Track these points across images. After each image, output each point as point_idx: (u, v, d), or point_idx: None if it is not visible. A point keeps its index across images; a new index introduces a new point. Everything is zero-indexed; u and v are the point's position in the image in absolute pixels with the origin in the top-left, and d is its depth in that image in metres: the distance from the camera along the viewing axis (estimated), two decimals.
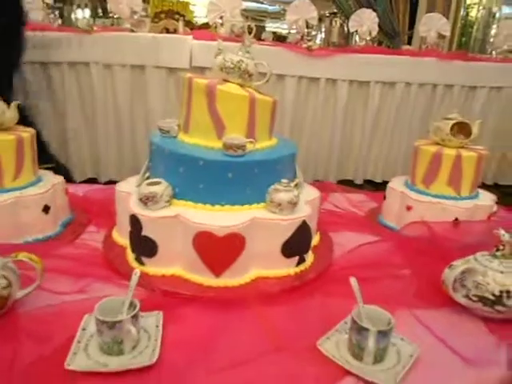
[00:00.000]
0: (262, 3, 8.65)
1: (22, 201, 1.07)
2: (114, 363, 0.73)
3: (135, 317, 0.76)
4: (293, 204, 1.01)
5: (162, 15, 3.68)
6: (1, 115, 1.08)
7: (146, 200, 0.98)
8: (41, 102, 2.61)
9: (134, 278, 0.81)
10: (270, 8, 8.68)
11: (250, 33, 3.17)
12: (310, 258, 1.10)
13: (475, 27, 5.11)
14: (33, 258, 0.84)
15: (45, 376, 0.70)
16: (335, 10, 4.95)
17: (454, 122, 1.28)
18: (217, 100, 1.01)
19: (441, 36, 3.35)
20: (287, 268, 1.03)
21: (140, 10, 2.96)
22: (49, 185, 1.15)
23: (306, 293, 0.98)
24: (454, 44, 5.02)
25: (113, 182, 1.42)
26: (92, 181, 2.69)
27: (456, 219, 1.23)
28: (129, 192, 1.08)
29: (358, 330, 0.77)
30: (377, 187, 2.97)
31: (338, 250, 1.19)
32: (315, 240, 1.20)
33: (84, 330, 0.80)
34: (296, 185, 1.06)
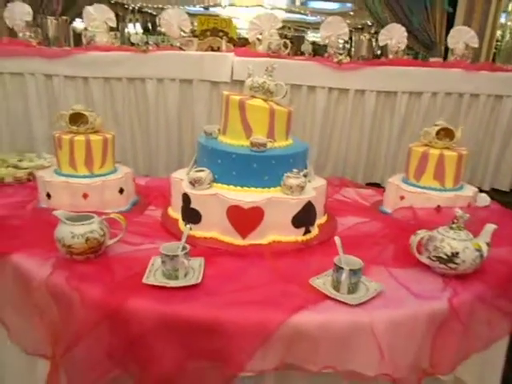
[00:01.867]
0: (303, 14, 9.12)
1: (105, 184, 1.54)
2: (172, 283, 1.15)
3: (186, 254, 1.18)
4: (301, 187, 1.40)
5: (208, 33, 4.20)
6: (94, 121, 1.56)
7: (194, 182, 1.41)
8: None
9: (187, 229, 1.24)
10: (311, 19, 9.13)
11: (286, 47, 3.64)
12: (315, 230, 1.48)
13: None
14: (120, 217, 1.29)
15: (131, 287, 1.13)
16: (369, 23, 5.29)
17: (439, 127, 1.63)
18: (246, 111, 1.44)
19: (470, 48, 3.62)
20: (296, 236, 1.42)
21: (188, 30, 3.48)
22: (123, 173, 1.62)
23: (309, 253, 1.37)
24: (490, 54, 5.18)
25: None
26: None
27: (438, 206, 1.57)
28: (181, 178, 1.52)
29: (337, 269, 1.15)
30: None
31: (340, 227, 1.57)
32: (322, 219, 1.58)
33: (152, 265, 1.23)
34: (305, 174, 1.46)
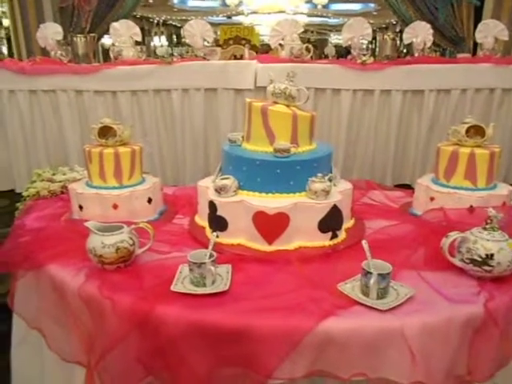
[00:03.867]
0: (325, 17, 9.11)
1: (134, 194, 1.58)
2: (200, 290, 1.16)
3: (213, 261, 1.19)
4: (326, 192, 1.39)
5: (231, 41, 4.26)
6: (122, 134, 1.60)
7: (219, 190, 1.42)
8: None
9: (213, 237, 1.25)
10: (333, 21, 9.08)
11: (308, 52, 3.63)
12: (342, 235, 1.47)
13: None
14: (148, 227, 1.32)
15: (160, 295, 1.15)
16: (394, 22, 5.21)
17: (468, 125, 1.58)
18: (269, 117, 1.44)
19: (500, 41, 3.50)
20: (323, 241, 1.41)
21: (211, 40, 3.53)
22: (151, 183, 1.66)
23: (336, 257, 1.36)
24: None
25: None
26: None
27: (470, 206, 1.52)
28: (207, 186, 1.53)
29: (365, 273, 1.13)
30: None
31: (368, 231, 1.54)
32: (349, 223, 1.56)
33: (180, 272, 1.25)
34: (330, 178, 1.45)
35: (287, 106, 1.47)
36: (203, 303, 1.12)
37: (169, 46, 6.11)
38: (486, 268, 1.19)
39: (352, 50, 3.45)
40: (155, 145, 3.41)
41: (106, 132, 1.62)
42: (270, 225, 1.36)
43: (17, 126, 3.30)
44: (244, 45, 3.86)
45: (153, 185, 1.65)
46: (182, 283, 1.20)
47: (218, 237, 1.31)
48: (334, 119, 3.37)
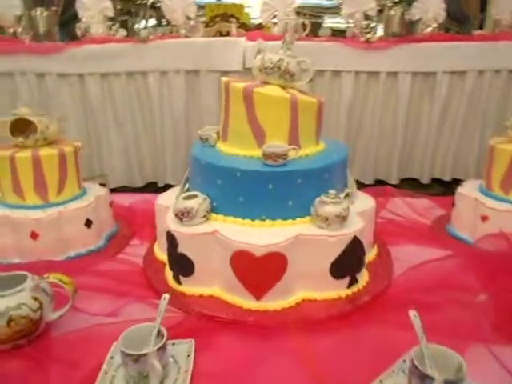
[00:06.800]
0: None
1: (64, 216, 1.05)
2: None
3: (162, 348, 0.68)
4: (342, 218, 0.87)
5: (217, 19, 3.67)
6: (45, 130, 1.06)
7: (181, 216, 0.90)
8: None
9: (163, 304, 0.73)
10: (327, 3, 8.41)
11: (304, 30, 3.02)
12: (363, 277, 0.96)
13: None
14: (64, 280, 0.79)
15: None
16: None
17: None
18: (255, 104, 0.91)
19: None
20: (337, 290, 0.90)
21: (194, 16, 2.95)
22: (91, 198, 1.12)
23: (357, 321, 0.85)
24: None
25: (170, 186, 1.36)
26: (153, 185, 2.74)
27: None
28: (167, 206, 1.01)
29: (420, 376, 0.63)
30: (446, 187, 2.69)
31: (398, 267, 1.04)
32: (371, 255, 1.05)
33: (112, 358, 0.74)
34: (346, 195, 0.93)
35: (283, 87, 0.94)
36: None
37: (153, 27, 5.45)
38: None
39: (353, 28, 2.90)
40: (131, 137, 2.85)
41: (24, 127, 1.08)
42: (257, 271, 0.84)
43: None
44: (231, 22, 3.27)
45: (94, 200, 1.12)
46: None
47: (172, 293, 0.79)
48: (333, 105, 2.82)
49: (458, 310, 0.85)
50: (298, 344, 0.77)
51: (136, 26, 6.25)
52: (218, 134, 1.03)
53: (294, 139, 0.93)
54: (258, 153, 0.92)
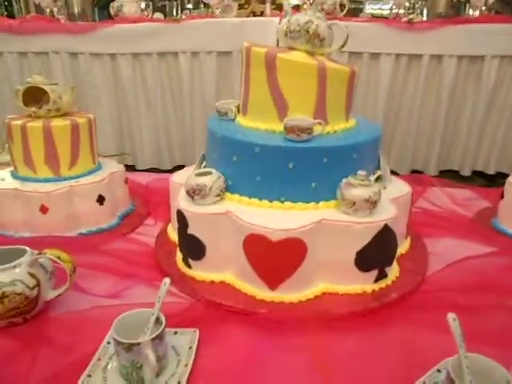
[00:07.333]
0: None
1: (75, 190, 0.99)
2: None
3: (159, 338, 0.60)
4: (371, 203, 0.76)
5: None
6: (58, 100, 1.01)
7: (192, 193, 0.82)
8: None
9: (163, 289, 0.65)
10: None
11: (342, 10, 2.83)
12: (393, 272, 0.84)
13: None
14: (62, 257, 0.73)
15: None
16: None
17: None
18: (278, 72, 0.80)
19: None
20: (362, 284, 0.79)
21: None
22: (106, 174, 1.06)
23: (383, 319, 0.74)
24: None
25: None
26: (181, 168, 2.69)
27: None
28: (182, 183, 0.93)
29: None
30: (489, 180, 2.48)
31: (433, 262, 0.91)
32: (403, 247, 0.93)
33: (109, 343, 0.67)
34: (378, 178, 0.81)
35: (311, 53, 0.83)
36: None
37: (192, 9, 5.38)
38: None
39: (395, 8, 2.71)
40: (160, 119, 2.80)
41: (37, 97, 1.02)
42: (274, 259, 0.75)
43: (7, 91, 2.75)
44: (266, 2, 3.12)
45: (108, 176, 1.06)
46: (102, 372, 0.62)
47: (191, 268, 0.71)
48: (370, 90, 2.65)
49: (504, 316, 0.73)
50: (313, 342, 0.68)
51: (174, 10, 6.20)
52: (237, 107, 0.93)
53: (320, 113, 0.82)
54: (280, 127, 0.81)
